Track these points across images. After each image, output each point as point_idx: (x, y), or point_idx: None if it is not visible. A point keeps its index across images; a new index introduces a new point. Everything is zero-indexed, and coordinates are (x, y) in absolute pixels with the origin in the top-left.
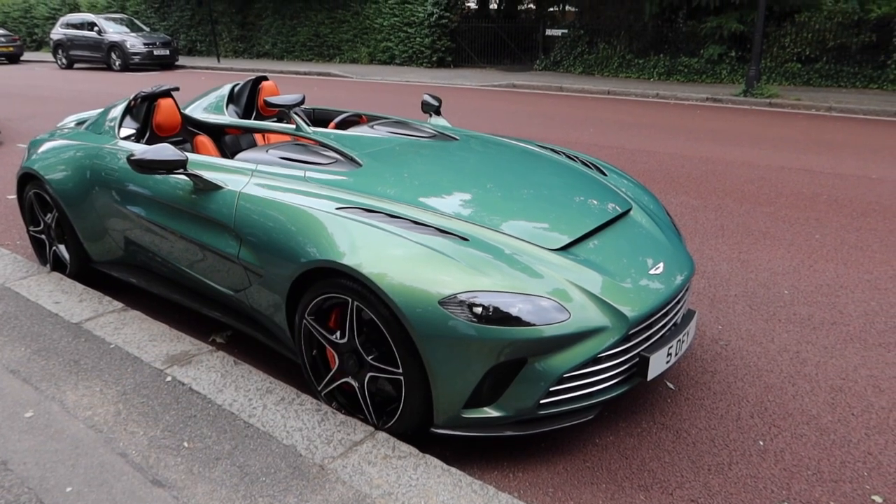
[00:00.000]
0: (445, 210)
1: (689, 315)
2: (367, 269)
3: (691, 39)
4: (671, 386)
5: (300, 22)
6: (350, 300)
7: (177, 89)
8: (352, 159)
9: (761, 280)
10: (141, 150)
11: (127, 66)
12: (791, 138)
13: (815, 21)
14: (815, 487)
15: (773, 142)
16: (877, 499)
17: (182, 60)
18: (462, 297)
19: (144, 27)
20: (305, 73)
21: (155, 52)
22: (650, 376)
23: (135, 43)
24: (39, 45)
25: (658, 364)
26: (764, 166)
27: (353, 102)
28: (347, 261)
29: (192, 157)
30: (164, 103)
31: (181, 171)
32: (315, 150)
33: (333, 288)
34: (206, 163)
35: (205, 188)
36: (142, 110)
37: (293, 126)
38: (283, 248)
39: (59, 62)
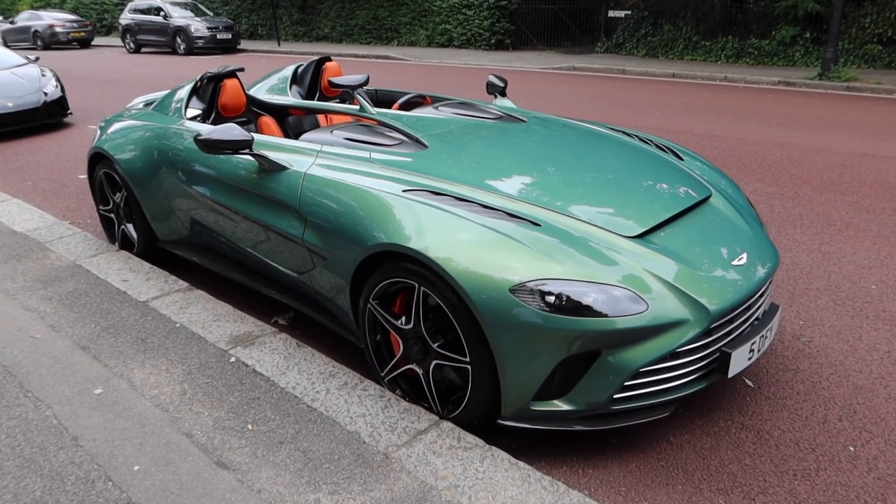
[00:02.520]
0: (515, 193)
1: (772, 310)
2: (435, 254)
3: (762, 20)
4: (750, 383)
5: (359, 5)
6: (417, 285)
7: (242, 70)
8: (417, 141)
9: (845, 273)
10: (207, 129)
11: (191, 50)
12: (872, 124)
13: None
14: None
15: (852, 127)
16: None
17: (243, 44)
18: (534, 284)
19: (208, 11)
20: (364, 57)
21: (218, 36)
22: (731, 373)
23: (199, 27)
24: (109, 30)
25: (740, 361)
26: (844, 153)
27: (411, 85)
28: (415, 245)
29: (257, 137)
30: (230, 84)
31: (247, 151)
32: (380, 131)
33: (400, 272)
34: (272, 143)
35: (270, 168)
36: (208, 91)
37: (357, 107)
38: (348, 230)
39: (127, 46)
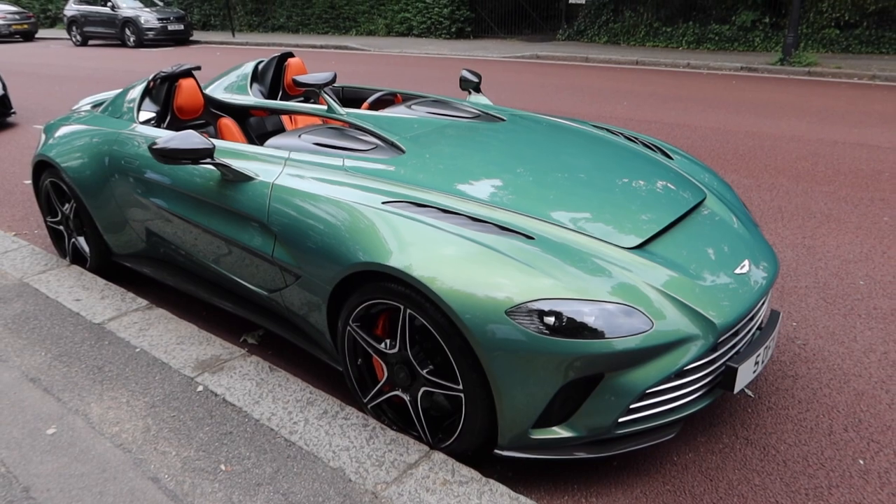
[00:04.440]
0: (504, 203)
1: (773, 318)
2: (421, 273)
3: (720, 5)
4: (750, 393)
5: None
6: (402, 307)
7: (198, 68)
8: (393, 144)
9: (832, 269)
10: (164, 137)
11: (141, 42)
12: (838, 109)
13: None
14: None
15: (819, 113)
16: None
17: (196, 35)
18: (532, 305)
19: (158, 2)
20: (321, 47)
21: (169, 28)
22: (737, 388)
23: (149, 18)
24: (54, 21)
25: (745, 374)
26: (815, 140)
27: (373, 76)
28: (398, 263)
29: (219, 144)
30: (186, 84)
31: (208, 160)
32: (352, 134)
33: (382, 293)
34: (235, 150)
35: (234, 179)
36: (162, 92)
37: (324, 107)
38: (324, 247)
39: (73, 39)
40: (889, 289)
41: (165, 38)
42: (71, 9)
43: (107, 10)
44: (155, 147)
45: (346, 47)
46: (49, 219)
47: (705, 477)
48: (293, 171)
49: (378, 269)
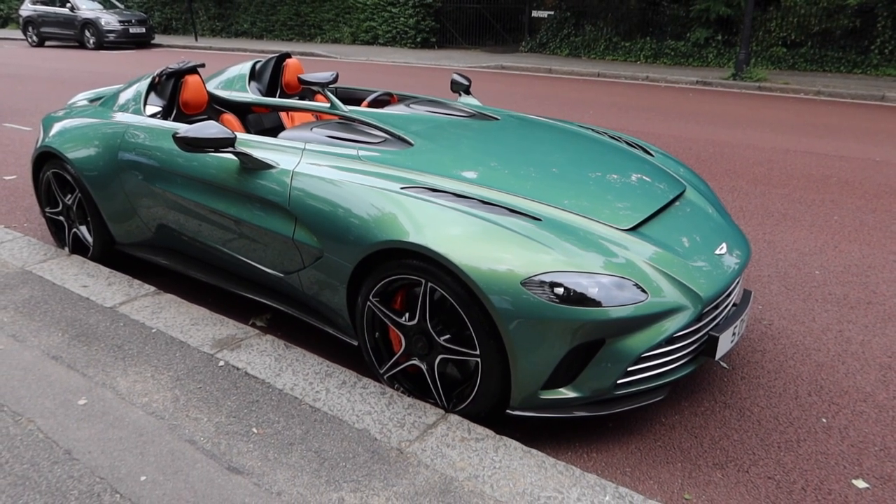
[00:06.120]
0: (511, 189)
1: (746, 296)
2: (442, 249)
3: (676, 22)
4: (725, 365)
5: (280, 0)
6: (424, 281)
7: (203, 66)
8: (401, 138)
9: (790, 260)
10: (185, 127)
11: (101, 45)
12: (787, 121)
13: (801, 6)
14: (886, 463)
15: (770, 125)
16: None
17: (158, 39)
18: (543, 277)
19: (118, 4)
20: None
21: (131, 30)
22: (718, 355)
23: (109, 20)
24: (5, 21)
25: (725, 343)
26: (769, 149)
27: (348, 82)
28: (423, 241)
29: (238, 135)
30: (191, 80)
31: (229, 149)
32: (360, 129)
33: (404, 269)
34: (253, 141)
35: (253, 167)
36: (167, 87)
37: (327, 105)
38: (346, 229)
39: (29, 40)
40: (841, 277)
41: (126, 41)
42: (27, 9)
43: (65, 11)
44: (179, 135)
45: (312, 54)
46: (48, 209)
47: (691, 434)
48: (311, 160)
49: (402, 246)
